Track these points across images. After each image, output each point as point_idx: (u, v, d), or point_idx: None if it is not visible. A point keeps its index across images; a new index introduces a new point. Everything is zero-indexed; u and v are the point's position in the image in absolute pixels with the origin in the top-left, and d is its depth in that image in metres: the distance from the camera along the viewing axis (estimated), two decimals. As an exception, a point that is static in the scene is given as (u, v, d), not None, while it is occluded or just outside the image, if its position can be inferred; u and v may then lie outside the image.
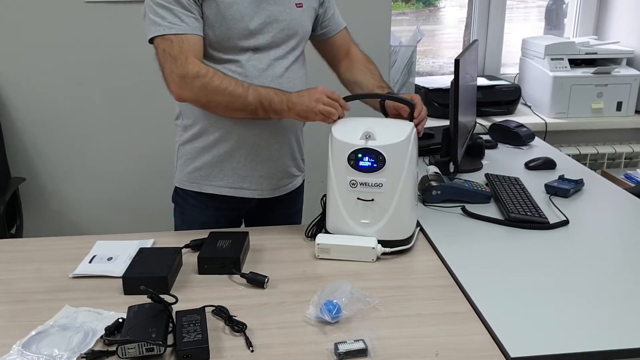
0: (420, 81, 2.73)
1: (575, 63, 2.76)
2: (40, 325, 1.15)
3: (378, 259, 1.41)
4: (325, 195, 1.49)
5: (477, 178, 1.86)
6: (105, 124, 2.52)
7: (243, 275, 1.32)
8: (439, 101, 2.65)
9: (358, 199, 1.40)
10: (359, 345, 1.07)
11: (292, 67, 1.60)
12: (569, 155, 2.27)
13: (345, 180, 1.40)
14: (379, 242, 1.41)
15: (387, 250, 1.41)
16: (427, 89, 2.67)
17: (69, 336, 1.11)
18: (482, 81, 2.75)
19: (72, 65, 2.43)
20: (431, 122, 2.57)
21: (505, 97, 2.73)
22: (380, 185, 1.38)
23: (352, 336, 1.11)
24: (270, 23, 1.53)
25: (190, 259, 1.42)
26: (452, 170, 1.87)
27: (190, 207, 1.69)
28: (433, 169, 1.78)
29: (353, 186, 1.40)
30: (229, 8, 1.47)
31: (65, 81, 2.44)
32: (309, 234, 1.52)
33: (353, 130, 1.40)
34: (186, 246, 1.47)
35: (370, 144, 1.37)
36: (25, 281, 1.35)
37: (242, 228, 1.56)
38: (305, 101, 1.44)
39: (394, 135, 1.39)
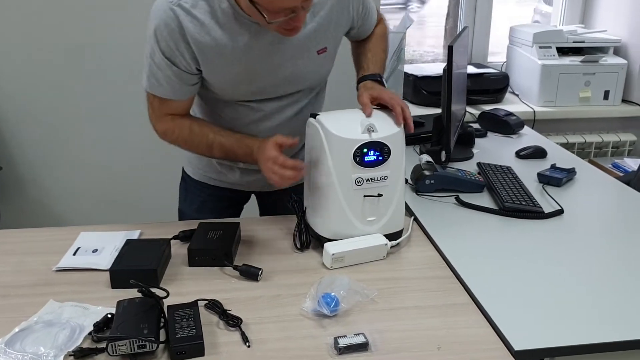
0: (408, 69, 2.70)
1: (562, 51, 2.74)
2: (23, 321, 1.10)
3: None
4: (295, 201, 1.41)
5: (468, 167, 1.84)
6: (85, 110, 2.44)
7: (236, 268, 1.27)
8: (428, 89, 2.61)
9: (364, 196, 1.32)
10: (360, 340, 1.03)
11: (306, 107, 1.52)
12: (557, 144, 2.25)
13: (349, 179, 1.30)
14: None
15: (394, 243, 1.37)
16: (415, 76, 2.64)
17: (55, 333, 1.06)
18: (470, 69, 2.72)
19: (52, 51, 2.34)
20: (420, 111, 2.56)
21: (494, 86, 2.71)
22: (385, 178, 1.32)
23: (351, 330, 1.07)
24: (285, 79, 1.43)
25: (179, 250, 1.38)
26: (443, 159, 1.84)
27: (194, 183, 1.69)
28: (426, 157, 1.75)
29: (359, 184, 1.31)
30: (236, 65, 1.36)
31: (43, 67, 2.36)
32: (302, 247, 1.38)
33: (349, 125, 1.30)
34: (175, 237, 1.41)
35: (375, 137, 1.29)
36: (6, 275, 1.29)
37: (235, 219, 1.50)
38: (260, 164, 1.37)
39: (390, 124, 1.33)
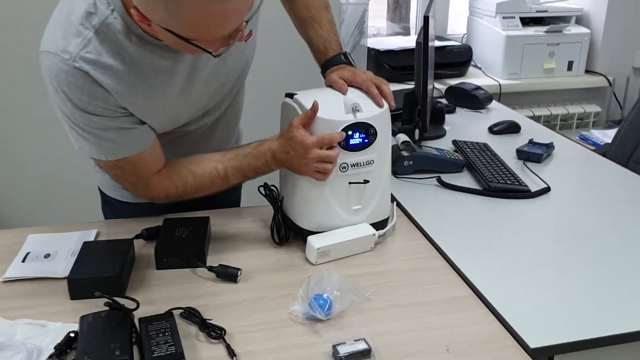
0: (369, 43, 2.58)
1: (524, 22, 2.68)
2: (-32, 346, 0.94)
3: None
4: (269, 189, 1.25)
5: (442, 145, 1.75)
6: (19, 99, 2.23)
7: (211, 269, 1.14)
8: (390, 63, 2.52)
9: (350, 183, 1.20)
10: (361, 346, 0.93)
11: (238, 94, 1.38)
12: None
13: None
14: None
15: (381, 232, 1.26)
16: (377, 50, 2.53)
17: (8, 358, 0.91)
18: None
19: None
20: (384, 87, 2.45)
21: (457, 59, 2.63)
22: (372, 162, 1.20)
23: (350, 335, 0.96)
24: (220, 85, 1.26)
25: (143, 250, 1.23)
26: (417, 137, 1.75)
27: (123, 206, 1.44)
28: (403, 137, 1.64)
29: (343, 170, 1.19)
30: (166, 99, 1.17)
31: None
32: (281, 241, 1.26)
33: (331, 105, 1.17)
34: (137, 236, 1.26)
35: (360, 117, 1.17)
36: (-59, 290, 1.12)
37: (203, 212, 1.35)
38: (294, 162, 1.17)
39: (374, 103, 1.22)
